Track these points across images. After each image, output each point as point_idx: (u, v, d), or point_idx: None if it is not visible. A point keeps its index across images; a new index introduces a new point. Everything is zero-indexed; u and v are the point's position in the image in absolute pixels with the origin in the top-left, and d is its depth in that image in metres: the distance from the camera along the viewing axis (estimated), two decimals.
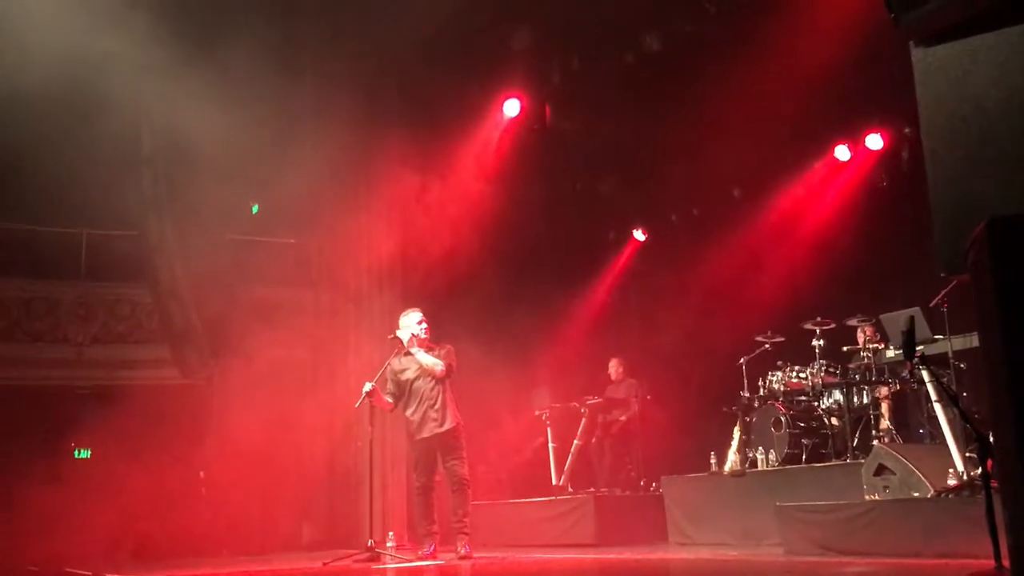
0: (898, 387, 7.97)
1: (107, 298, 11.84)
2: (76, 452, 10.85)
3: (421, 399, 7.54)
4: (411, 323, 7.71)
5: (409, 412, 7.59)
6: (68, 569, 7.87)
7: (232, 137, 9.11)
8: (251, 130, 8.96)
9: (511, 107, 10.88)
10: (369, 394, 7.44)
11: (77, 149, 8.96)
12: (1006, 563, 3.15)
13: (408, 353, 7.70)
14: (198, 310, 11.34)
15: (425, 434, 7.50)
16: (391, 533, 8.51)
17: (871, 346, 8.17)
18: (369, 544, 7.37)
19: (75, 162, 9.23)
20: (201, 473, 10.75)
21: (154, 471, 10.07)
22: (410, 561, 7.25)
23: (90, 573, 7.09)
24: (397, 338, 7.74)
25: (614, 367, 10.74)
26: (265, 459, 10.33)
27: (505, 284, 10.73)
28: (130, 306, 11.86)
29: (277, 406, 9.95)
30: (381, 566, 6.98)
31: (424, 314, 7.81)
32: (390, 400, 7.62)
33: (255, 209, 11.57)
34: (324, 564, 7.06)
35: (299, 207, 10.49)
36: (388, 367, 7.69)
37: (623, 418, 10.31)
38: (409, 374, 7.64)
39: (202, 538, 9.92)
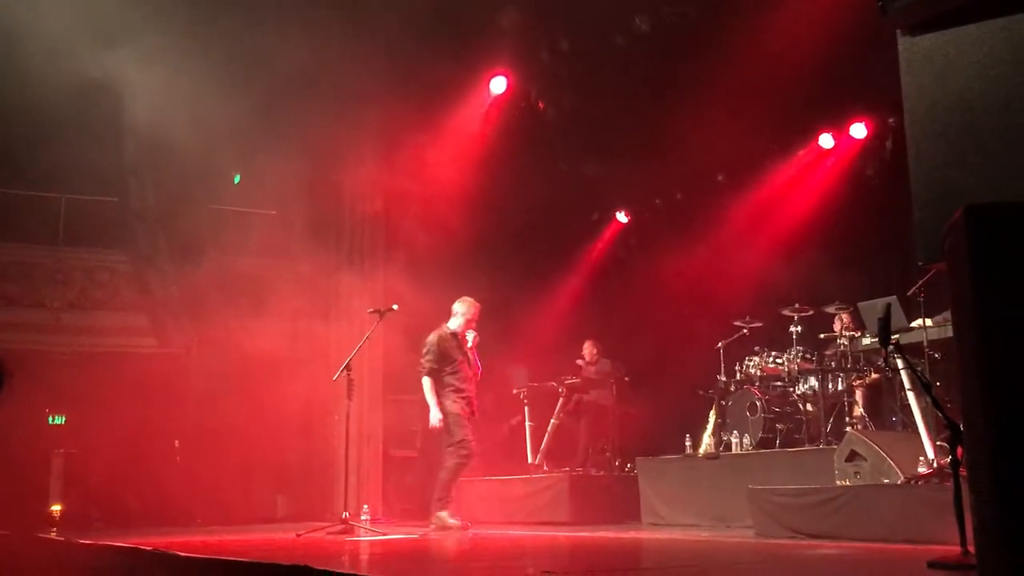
0: (873, 375, 8.05)
1: (85, 264, 11.74)
2: (50, 418, 10.77)
3: None
4: (468, 313, 8.00)
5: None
6: (40, 534, 7.85)
7: (216, 106, 9.04)
8: (235, 99, 8.89)
9: (498, 84, 10.84)
10: (347, 368, 7.49)
11: (57, 113, 8.86)
12: (971, 548, 3.20)
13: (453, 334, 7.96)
14: (177, 279, 11.27)
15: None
16: (365, 506, 8.53)
17: (847, 334, 8.24)
18: (344, 517, 7.40)
19: (55, 126, 9.12)
20: (176, 442, 10.71)
21: (129, 439, 10.03)
22: (384, 534, 7.28)
23: (62, 538, 7.07)
24: (376, 312, 7.85)
25: (588, 348, 10.79)
26: (241, 430, 10.31)
27: (486, 261, 10.73)
28: (108, 273, 11.76)
29: (254, 377, 9.93)
30: (354, 538, 7.00)
31: (402, 300, 8.17)
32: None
33: (237, 179, 11.48)
34: (298, 535, 7.07)
35: (282, 178, 10.43)
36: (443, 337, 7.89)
37: (587, 397, 10.37)
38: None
39: (176, 507, 9.91)
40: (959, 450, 4.10)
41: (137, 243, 11.40)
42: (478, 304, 8.14)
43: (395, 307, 8.03)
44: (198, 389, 10.57)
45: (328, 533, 7.25)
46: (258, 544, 6.33)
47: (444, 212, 10.46)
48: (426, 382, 7.84)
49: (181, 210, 10.60)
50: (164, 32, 8.52)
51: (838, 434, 7.56)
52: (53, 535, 7.74)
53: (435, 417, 7.75)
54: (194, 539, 6.61)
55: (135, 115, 10.28)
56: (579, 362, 10.76)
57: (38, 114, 9.00)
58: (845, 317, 8.48)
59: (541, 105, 10.96)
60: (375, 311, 7.99)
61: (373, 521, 8.25)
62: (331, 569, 3.78)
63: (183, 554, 4.85)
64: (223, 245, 10.96)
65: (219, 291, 10.51)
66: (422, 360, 7.88)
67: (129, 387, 10.27)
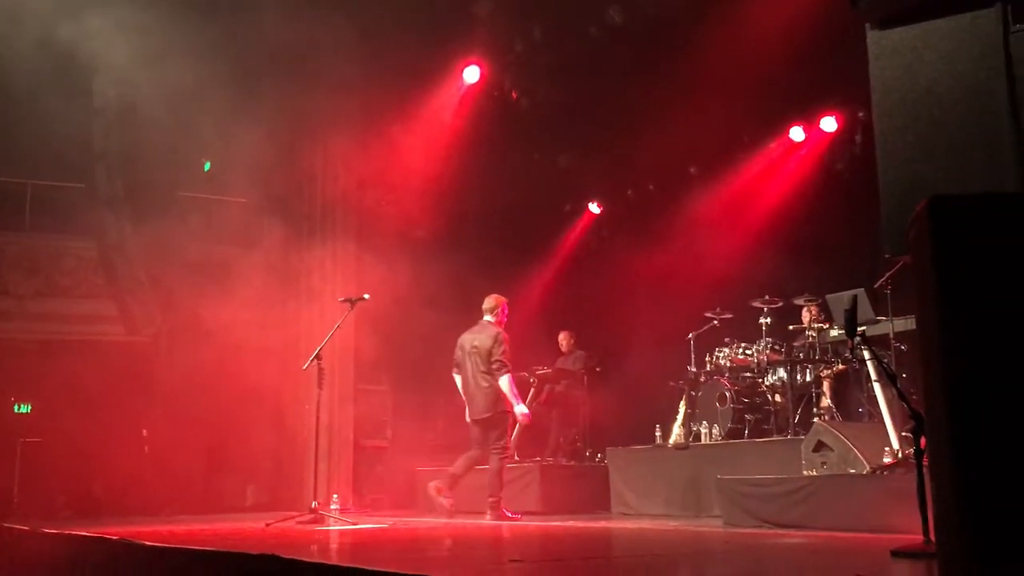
0: (840, 366, 8.13)
1: (51, 251, 11.57)
2: (16, 407, 10.64)
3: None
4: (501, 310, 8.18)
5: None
6: (5, 524, 7.75)
7: (187, 90, 8.94)
8: (207, 83, 8.81)
9: (471, 73, 10.80)
10: (317, 358, 7.45)
11: (24, 97, 8.72)
12: (934, 537, 3.25)
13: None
14: (146, 267, 11.15)
15: None
16: (336, 496, 8.51)
17: (816, 325, 8.32)
18: (313, 506, 7.37)
19: (20, 110, 8.98)
20: (144, 431, 10.62)
21: (96, 428, 9.93)
22: (354, 524, 7.27)
23: (27, 528, 6.99)
24: (347, 301, 7.84)
25: (564, 339, 10.82)
26: (210, 419, 10.24)
27: (459, 252, 10.70)
28: (75, 260, 11.59)
29: (224, 366, 9.85)
30: (324, 528, 6.98)
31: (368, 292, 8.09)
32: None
33: (207, 166, 11.37)
34: (267, 525, 7.03)
35: (252, 165, 10.35)
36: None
37: (558, 388, 10.41)
38: None
39: (144, 497, 9.83)
40: (923, 440, 4.16)
41: (105, 230, 11.26)
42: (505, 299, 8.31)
43: (366, 296, 7.99)
44: (166, 377, 10.48)
45: (297, 523, 7.22)
46: (226, 533, 6.30)
47: (416, 201, 10.42)
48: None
49: (150, 197, 10.48)
50: (135, 15, 8.40)
51: (806, 425, 7.64)
52: (16, 524, 7.65)
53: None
54: (162, 529, 6.55)
55: (104, 100, 10.16)
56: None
57: (2, 98, 8.85)
58: (813, 309, 8.56)
59: (514, 95, 10.94)
60: (346, 300, 7.95)
61: (343, 511, 8.23)
62: (299, 558, 3.77)
63: (150, 543, 4.81)
64: (192, 232, 10.86)
65: (188, 278, 10.41)
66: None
67: (96, 375, 10.16)
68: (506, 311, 8.21)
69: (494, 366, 7.82)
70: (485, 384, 7.87)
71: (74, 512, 9.51)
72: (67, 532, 6.10)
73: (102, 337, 11.15)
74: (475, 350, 7.96)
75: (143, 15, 8.36)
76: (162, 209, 10.54)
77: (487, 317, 8.13)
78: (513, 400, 7.86)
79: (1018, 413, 1.91)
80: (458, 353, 8.14)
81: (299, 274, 10.92)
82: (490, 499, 7.90)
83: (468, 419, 8.07)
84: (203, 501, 10.05)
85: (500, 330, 8.00)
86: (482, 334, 8.00)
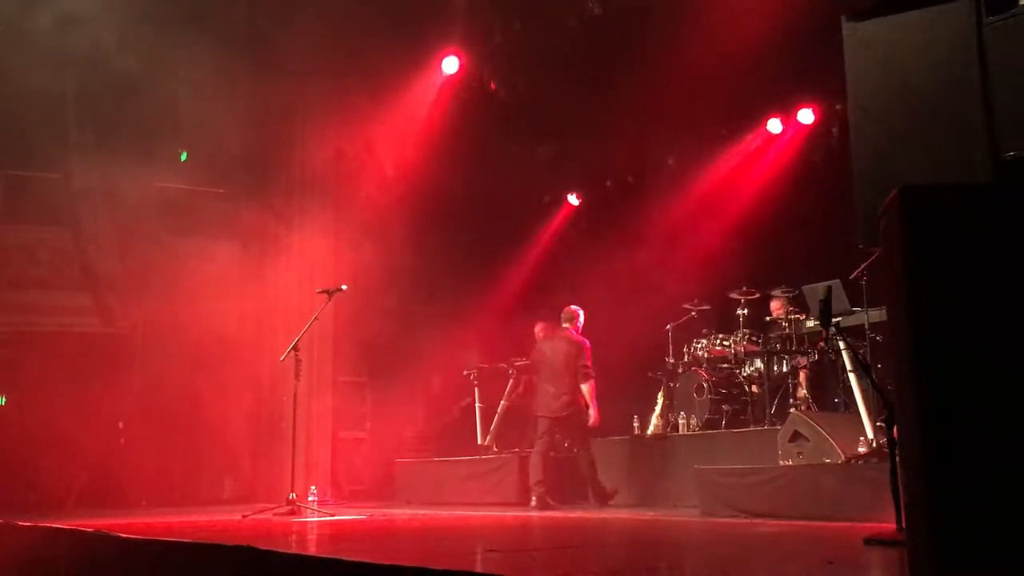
0: (816, 357, 8.18)
1: (25, 242, 11.42)
2: None
3: None
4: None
5: None
6: None
7: (163, 82, 8.87)
8: (183, 76, 8.73)
9: (450, 64, 10.76)
10: (295, 349, 7.41)
11: None
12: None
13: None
14: (122, 258, 11.06)
15: None
16: (313, 487, 8.49)
17: (792, 317, 8.36)
18: (291, 498, 7.34)
19: None
20: (120, 424, 10.54)
21: (71, 420, 9.85)
22: (331, 515, 7.25)
23: (1, 520, 6.93)
24: (325, 292, 7.82)
25: (540, 331, 10.80)
26: (187, 411, 10.19)
27: (437, 242, 10.68)
28: (49, 251, 11.45)
29: (201, 358, 9.79)
30: (301, 520, 6.96)
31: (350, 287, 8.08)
32: None
33: (184, 156, 11.27)
34: (244, 517, 7.01)
35: (229, 157, 10.27)
36: None
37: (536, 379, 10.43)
38: None
39: (120, 489, 9.77)
40: (896, 430, 4.19)
41: (80, 220, 11.15)
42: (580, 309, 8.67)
43: (344, 287, 7.95)
44: (142, 370, 10.40)
45: (275, 515, 7.19)
46: (203, 526, 6.27)
47: (395, 192, 10.38)
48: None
49: (125, 187, 10.38)
50: (109, 1, 8.32)
51: (782, 415, 7.69)
52: None
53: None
54: (137, 521, 6.52)
55: (79, 89, 10.05)
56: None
57: None
58: (784, 299, 8.59)
59: (493, 86, 10.91)
60: (324, 291, 7.92)
61: (321, 502, 8.22)
62: (275, 550, 3.76)
63: (125, 536, 4.78)
64: (169, 223, 10.78)
65: (164, 270, 10.33)
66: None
67: (72, 367, 10.08)
68: (580, 319, 8.58)
69: (581, 372, 8.21)
70: (563, 386, 8.22)
71: (49, 504, 9.44)
72: (41, 524, 6.05)
73: (78, 329, 11.04)
74: (554, 355, 8.37)
75: (121, 5, 8.27)
76: (138, 199, 10.44)
77: (564, 325, 8.53)
78: (591, 404, 8.21)
79: (985, 399, 1.93)
80: (538, 357, 8.58)
81: (277, 265, 10.86)
82: (602, 490, 8.15)
83: (541, 415, 8.38)
84: (180, 493, 10.00)
85: (582, 339, 8.40)
86: (562, 341, 8.43)
